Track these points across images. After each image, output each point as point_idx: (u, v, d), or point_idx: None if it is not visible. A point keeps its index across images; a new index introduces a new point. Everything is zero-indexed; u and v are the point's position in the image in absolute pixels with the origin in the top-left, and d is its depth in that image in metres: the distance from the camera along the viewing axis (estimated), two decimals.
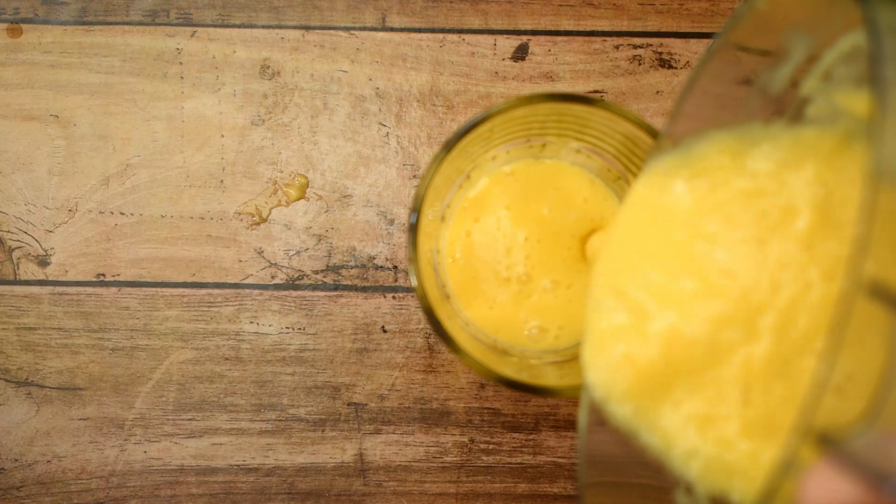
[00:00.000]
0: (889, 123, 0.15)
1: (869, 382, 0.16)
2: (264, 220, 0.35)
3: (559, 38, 0.35)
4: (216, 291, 0.35)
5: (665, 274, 0.20)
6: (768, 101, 0.22)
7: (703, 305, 0.19)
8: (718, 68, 0.21)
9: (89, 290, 0.35)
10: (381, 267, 0.34)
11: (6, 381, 0.34)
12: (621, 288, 0.21)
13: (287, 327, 0.34)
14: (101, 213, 0.35)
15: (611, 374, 0.21)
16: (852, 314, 0.15)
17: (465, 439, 0.34)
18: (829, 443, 0.16)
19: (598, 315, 0.22)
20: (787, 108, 0.21)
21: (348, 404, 0.34)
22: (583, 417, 0.22)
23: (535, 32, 0.35)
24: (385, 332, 0.34)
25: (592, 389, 0.22)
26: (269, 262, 0.35)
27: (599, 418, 0.21)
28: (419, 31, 0.35)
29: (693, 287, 0.19)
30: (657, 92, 0.34)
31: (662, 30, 0.34)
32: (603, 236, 0.30)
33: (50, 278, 0.34)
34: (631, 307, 0.21)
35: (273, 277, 0.35)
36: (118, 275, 0.35)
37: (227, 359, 0.34)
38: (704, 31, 0.34)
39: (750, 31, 0.20)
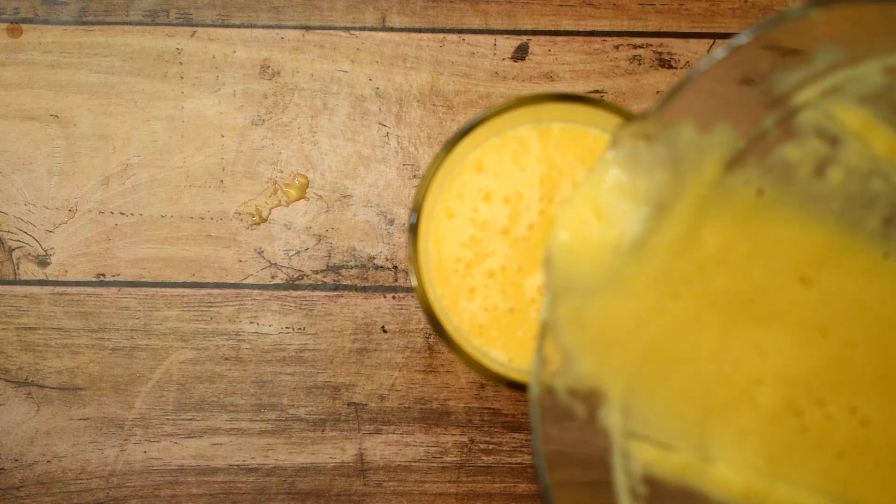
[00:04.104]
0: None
1: None
2: (264, 220, 0.35)
3: (559, 38, 0.35)
4: (216, 291, 0.35)
5: None
6: (766, 100, 0.22)
7: None
8: (733, 62, 0.21)
9: (89, 290, 0.35)
10: (381, 267, 0.35)
11: (6, 381, 0.34)
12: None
13: (287, 327, 0.34)
14: (101, 213, 0.35)
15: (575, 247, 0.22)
16: None
17: (465, 439, 0.34)
18: None
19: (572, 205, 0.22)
20: (779, 109, 0.22)
21: (348, 404, 0.34)
22: (535, 380, 0.22)
23: (535, 32, 0.35)
24: (385, 332, 0.34)
25: (554, 270, 0.22)
26: (269, 262, 0.35)
27: (552, 404, 0.21)
28: (419, 31, 0.35)
29: None
30: (657, 92, 0.34)
31: (662, 30, 0.35)
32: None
33: (50, 278, 0.34)
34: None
35: (273, 277, 0.35)
36: (118, 275, 0.35)
37: (227, 359, 0.34)
38: (704, 31, 0.34)
39: (788, 34, 0.20)
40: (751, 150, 0.22)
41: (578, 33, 0.35)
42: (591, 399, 0.22)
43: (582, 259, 0.21)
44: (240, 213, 0.35)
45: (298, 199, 0.35)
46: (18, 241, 0.35)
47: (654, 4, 0.35)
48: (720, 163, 0.22)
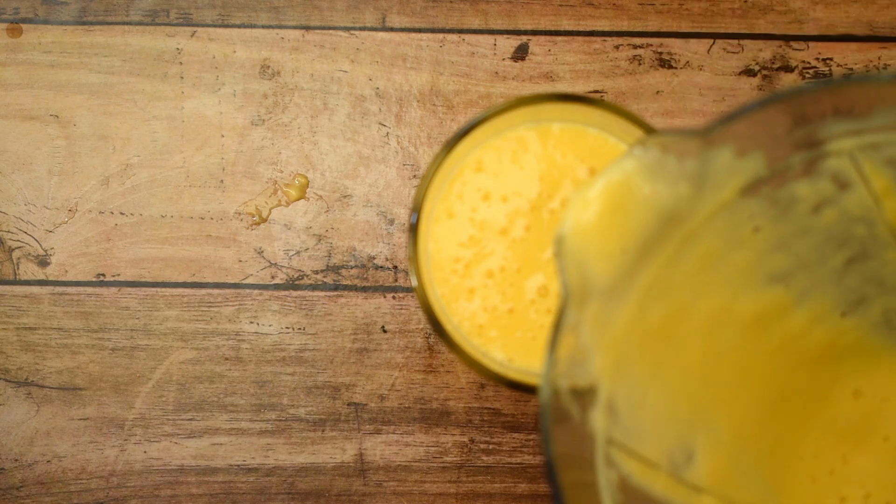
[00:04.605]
0: None
1: None
2: (264, 220, 0.35)
3: (559, 38, 0.35)
4: (216, 291, 0.35)
5: None
6: (805, 139, 0.22)
7: None
8: (795, 102, 0.21)
9: (89, 290, 0.35)
10: (381, 267, 0.35)
11: (6, 381, 0.34)
12: None
13: (287, 327, 0.34)
14: (101, 213, 0.35)
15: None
16: None
17: (465, 439, 0.34)
18: None
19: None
20: (812, 150, 0.22)
21: (348, 404, 0.34)
22: (545, 379, 0.22)
23: (535, 32, 0.35)
24: (385, 332, 0.34)
25: (563, 261, 0.22)
26: (269, 262, 0.35)
27: (557, 406, 0.22)
28: (419, 31, 0.35)
29: None
30: (657, 92, 0.34)
31: (662, 30, 0.35)
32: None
33: (50, 278, 0.35)
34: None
35: (273, 277, 0.35)
36: (118, 275, 0.35)
37: (227, 359, 0.34)
38: (704, 31, 0.34)
39: (858, 94, 0.20)
40: (769, 180, 0.22)
41: (578, 33, 0.35)
42: (586, 398, 0.22)
43: (591, 252, 0.21)
44: (240, 213, 0.35)
45: (298, 199, 0.35)
46: (18, 241, 0.35)
47: (654, 4, 0.35)
48: (739, 187, 0.22)
